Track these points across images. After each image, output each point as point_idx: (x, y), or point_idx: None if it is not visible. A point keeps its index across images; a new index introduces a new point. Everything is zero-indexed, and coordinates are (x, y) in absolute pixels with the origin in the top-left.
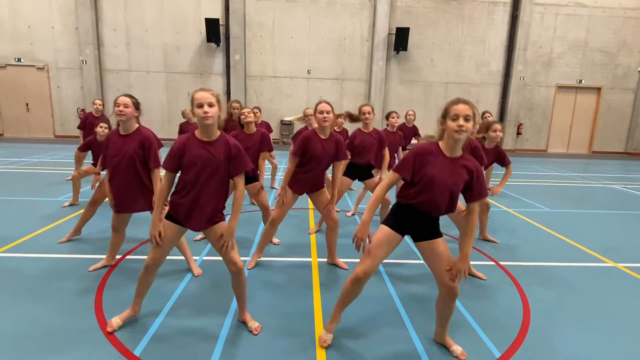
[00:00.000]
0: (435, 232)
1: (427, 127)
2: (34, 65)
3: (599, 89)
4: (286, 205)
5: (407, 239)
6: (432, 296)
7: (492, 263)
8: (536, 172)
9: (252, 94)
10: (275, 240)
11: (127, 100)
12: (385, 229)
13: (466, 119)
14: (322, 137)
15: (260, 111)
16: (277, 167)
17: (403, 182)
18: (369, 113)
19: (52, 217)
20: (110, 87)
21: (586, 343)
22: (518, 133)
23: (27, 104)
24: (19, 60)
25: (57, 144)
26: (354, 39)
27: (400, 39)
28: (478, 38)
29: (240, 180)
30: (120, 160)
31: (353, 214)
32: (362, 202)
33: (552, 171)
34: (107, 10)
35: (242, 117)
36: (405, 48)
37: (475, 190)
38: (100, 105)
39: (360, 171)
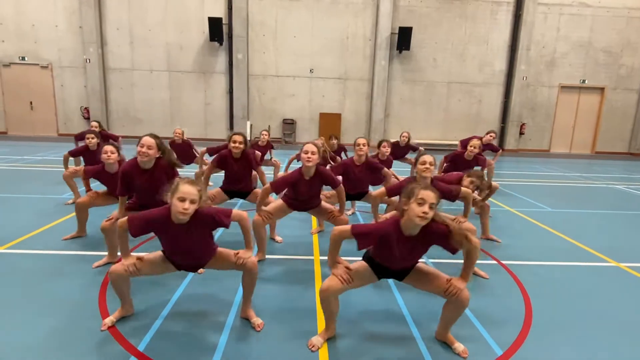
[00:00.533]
0: (409, 268)
1: (429, 127)
2: (37, 64)
3: (602, 89)
4: (273, 216)
5: None
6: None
7: (495, 262)
8: (539, 172)
9: (254, 93)
10: (278, 238)
11: (151, 141)
12: (365, 266)
13: (430, 207)
14: (307, 178)
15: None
16: (279, 166)
17: None
18: (363, 145)
19: (56, 215)
20: (113, 85)
21: (588, 342)
22: (521, 133)
23: (30, 103)
24: (23, 58)
25: (60, 142)
26: (357, 39)
27: (403, 39)
28: (481, 38)
29: (237, 218)
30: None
31: (353, 213)
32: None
33: (555, 171)
34: (111, 9)
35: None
36: (408, 47)
37: (450, 246)
38: (96, 127)
39: (352, 198)
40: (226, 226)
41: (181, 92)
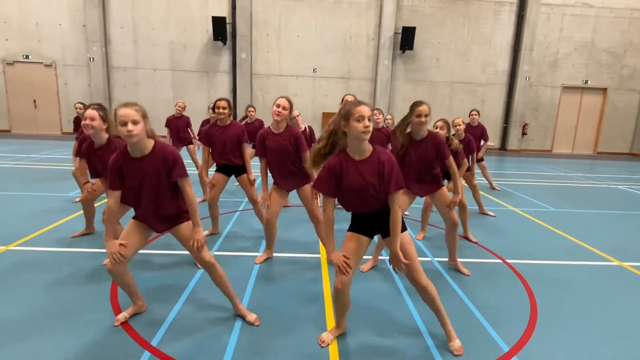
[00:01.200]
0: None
1: (432, 127)
2: (41, 62)
3: (604, 90)
4: (274, 204)
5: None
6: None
7: (500, 261)
8: (541, 172)
9: (257, 92)
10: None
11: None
12: (352, 236)
13: (369, 119)
14: (275, 132)
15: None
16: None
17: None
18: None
19: (63, 212)
20: (117, 84)
21: (592, 340)
22: (523, 133)
23: (34, 101)
24: (27, 57)
25: (64, 141)
26: (360, 38)
27: (406, 39)
28: (484, 38)
29: (184, 185)
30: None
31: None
32: None
33: (557, 171)
34: (115, 8)
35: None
36: (411, 47)
37: (388, 181)
38: (80, 108)
39: None
40: (178, 175)
41: (185, 91)
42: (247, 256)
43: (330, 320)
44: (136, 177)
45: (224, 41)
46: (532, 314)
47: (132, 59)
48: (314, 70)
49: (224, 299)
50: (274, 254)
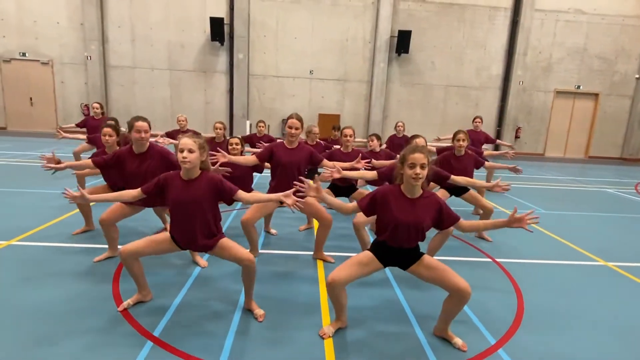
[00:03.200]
0: (416, 256)
1: (427, 130)
2: (38, 60)
3: (596, 95)
4: (262, 210)
5: None
6: (434, 293)
7: (489, 260)
8: (533, 175)
9: (254, 93)
10: (272, 231)
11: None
12: (369, 254)
13: (422, 167)
14: (289, 147)
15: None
16: None
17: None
18: (350, 136)
19: (62, 209)
20: (114, 83)
21: (576, 334)
22: (516, 137)
23: (30, 99)
24: (24, 54)
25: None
26: (357, 41)
27: (402, 42)
28: (479, 42)
29: (239, 196)
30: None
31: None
32: None
33: (549, 175)
34: (113, 7)
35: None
36: (406, 51)
37: (446, 221)
38: (97, 108)
39: (342, 191)
40: (230, 195)
41: (182, 91)
42: None
43: (326, 317)
44: (180, 195)
45: (222, 42)
46: (518, 310)
47: (129, 58)
48: (310, 71)
49: (224, 293)
50: (271, 251)
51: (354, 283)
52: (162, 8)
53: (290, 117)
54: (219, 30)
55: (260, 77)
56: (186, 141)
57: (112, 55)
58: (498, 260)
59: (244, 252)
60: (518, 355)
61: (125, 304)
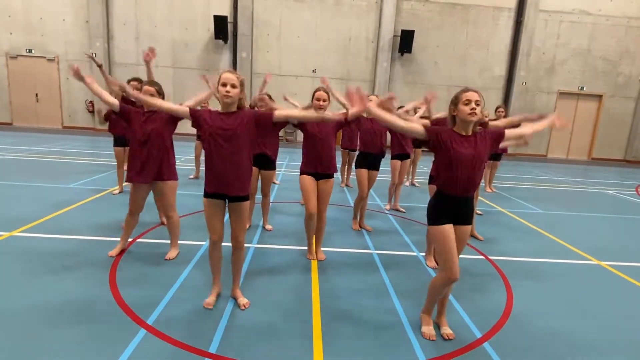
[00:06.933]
0: (472, 209)
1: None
2: (44, 57)
3: (600, 97)
4: (314, 193)
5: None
6: (423, 286)
7: (482, 257)
8: (534, 176)
9: (257, 91)
10: (268, 226)
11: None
12: (446, 227)
13: (477, 103)
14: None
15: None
16: None
17: (436, 177)
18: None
19: (66, 202)
20: (118, 80)
21: (561, 328)
22: None
23: (36, 95)
24: (30, 51)
25: (65, 135)
26: (360, 40)
27: (405, 42)
28: (482, 43)
29: (278, 115)
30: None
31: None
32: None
33: (550, 175)
34: (118, 4)
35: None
36: (409, 50)
37: (498, 140)
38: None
39: (376, 161)
40: (269, 118)
41: (185, 88)
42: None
43: (317, 309)
44: (219, 126)
45: (225, 40)
46: (507, 306)
47: (134, 56)
48: (313, 70)
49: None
50: (265, 245)
51: (347, 265)
52: (166, 6)
53: (317, 90)
54: (222, 28)
55: (263, 75)
56: (228, 76)
57: (117, 53)
58: (491, 257)
59: (241, 233)
60: (503, 350)
61: (210, 301)
